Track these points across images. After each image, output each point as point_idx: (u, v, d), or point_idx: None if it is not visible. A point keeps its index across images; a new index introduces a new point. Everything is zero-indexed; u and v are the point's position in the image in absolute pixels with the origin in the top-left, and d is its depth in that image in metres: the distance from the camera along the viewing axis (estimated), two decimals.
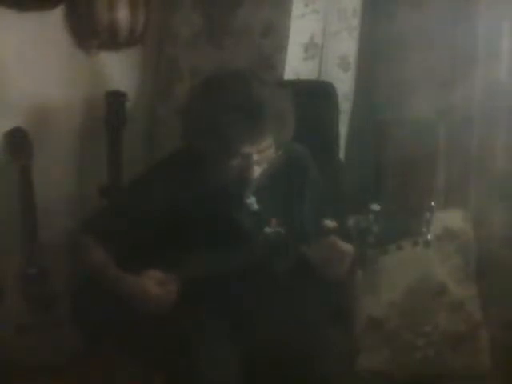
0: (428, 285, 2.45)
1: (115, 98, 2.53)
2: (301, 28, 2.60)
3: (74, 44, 2.56)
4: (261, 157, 1.83)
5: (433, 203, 1.70)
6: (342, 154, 2.63)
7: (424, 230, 1.71)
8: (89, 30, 2.49)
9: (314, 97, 2.40)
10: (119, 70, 2.66)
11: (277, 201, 1.95)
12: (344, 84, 2.69)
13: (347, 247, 1.77)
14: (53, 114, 2.55)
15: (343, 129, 2.66)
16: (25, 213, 2.41)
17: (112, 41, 2.51)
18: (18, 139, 2.42)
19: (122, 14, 2.46)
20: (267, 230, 1.86)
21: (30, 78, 2.47)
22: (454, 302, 2.44)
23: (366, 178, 2.61)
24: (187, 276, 1.83)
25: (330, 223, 1.78)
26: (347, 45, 2.70)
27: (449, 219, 2.49)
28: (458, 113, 2.57)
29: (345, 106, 2.67)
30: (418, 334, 2.42)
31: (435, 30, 2.57)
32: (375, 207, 1.72)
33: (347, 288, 2.31)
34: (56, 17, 2.49)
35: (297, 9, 2.57)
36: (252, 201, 1.92)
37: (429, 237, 1.73)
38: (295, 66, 2.62)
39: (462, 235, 2.48)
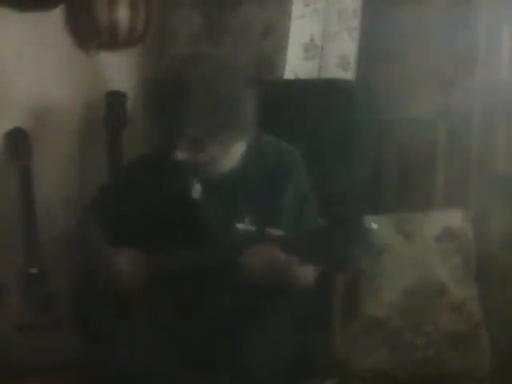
0: (428, 285, 2.44)
1: (115, 98, 2.53)
2: (301, 28, 2.60)
3: (74, 44, 2.56)
4: (202, 163, 1.85)
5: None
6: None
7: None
8: (89, 30, 2.50)
9: (334, 95, 2.37)
10: (119, 70, 2.66)
11: (251, 199, 1.92)
12: None
13: (277, 256, 1.74)
14: (53, 114, 2.55)
15: None
16: (25, 213, 2.41)
17: (112, 41, 2.51)
18: (18, 139, 2.43)
19: (122, 14, 2.47)
20: (239, 226, 1.84)
21: (30, 78, 2.48)
22: (454, 302, 2.44)
23: (365, 178, 2.61)
24: (159, 265, 1.86)
25: (274, 231, 1.75)
26: (347, 45, 2.70)
27: (449, 219, 2.49)
28: (457, 113, 2.57)
29: None
30: (418, 334, 2.42)
31: (435, 29, 2.57)
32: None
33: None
34: (56, 17, 2.50)
35: (297, 9, 2.57)
36: (203, 200, 1.93)
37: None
38: (295, 65, 2.62)
39: (461, 235, 2.48)
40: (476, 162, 2.58)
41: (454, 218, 2.50)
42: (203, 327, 1.86)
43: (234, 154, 1.92)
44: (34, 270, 2.42)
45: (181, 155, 1.82)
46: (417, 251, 2.44)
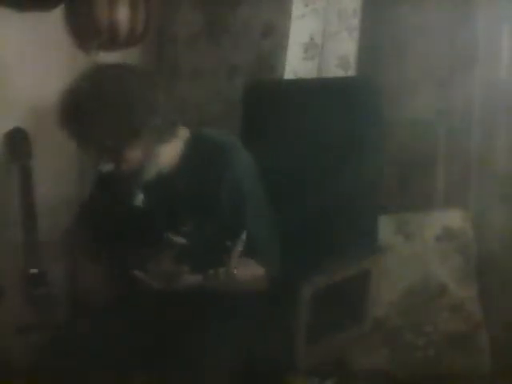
0: (428, 285, 2.45)
1: None
2: (301, 28, 2.60)
3: (74, 44, 2.56)
4: (130, 170, 1.85)
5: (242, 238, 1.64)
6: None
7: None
8: (89, 30, 2.49)
9: (347, 94, 2.28)
10: None
11: (192, 199, 1.88)
12: None
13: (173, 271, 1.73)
14: (53, 114, 2.55)
15: None
16: (25, 213, 2.40)
17: (112, 41, 2.51)
18: (18, 139, 2.42)
19: (122, 14, 2.46)
20: (183, 229, 1.81)
21: (30, 78, 2.47)
22: (454, 302, 2.44)
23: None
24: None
25: (176, 239, 1.75)
26: (347, 45, 2.70)
27: (449, 219, 2.50)
28: (457, 113, 2.57)
29: None
30: (418, 334, 2.42)
31: (435, 29, 2.57)
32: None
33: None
34: (56, 17, 2.49)
35: (297, 9, 2.57)
36: (141, 202, 1.93)
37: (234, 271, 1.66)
38: (295, 65, 2.63)
39: (461, 235, 2.48)
40: (476, 162, 2.58)
41: (453, 218, 2.50)
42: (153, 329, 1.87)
43: (165, 156, 1.89)
44: (34, 270, 2.41)
45: (105, 167, 1.84)
46: (417, 251, 2.44)
